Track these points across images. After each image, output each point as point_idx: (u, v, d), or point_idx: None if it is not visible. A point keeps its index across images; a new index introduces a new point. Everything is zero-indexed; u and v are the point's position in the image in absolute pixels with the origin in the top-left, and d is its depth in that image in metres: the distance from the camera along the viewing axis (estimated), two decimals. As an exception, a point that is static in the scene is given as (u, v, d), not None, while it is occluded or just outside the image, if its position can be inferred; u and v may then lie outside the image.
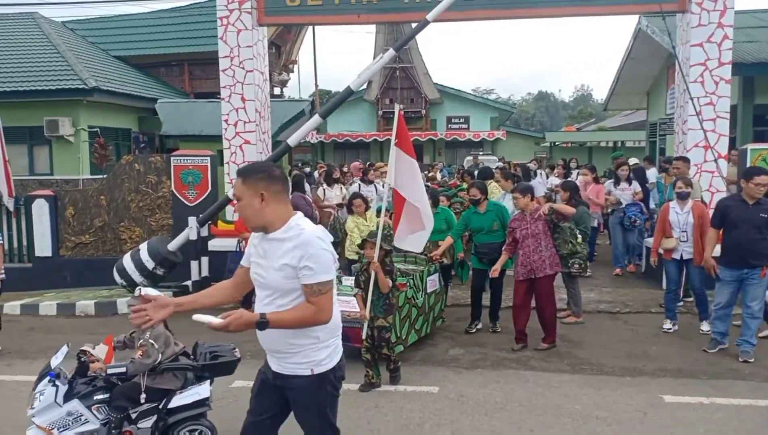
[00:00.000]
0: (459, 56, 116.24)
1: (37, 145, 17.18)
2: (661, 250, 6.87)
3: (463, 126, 30.75)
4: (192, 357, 4.19)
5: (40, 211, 9.33)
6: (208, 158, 8.98)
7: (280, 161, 10.20)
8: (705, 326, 6.68)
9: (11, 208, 9.43)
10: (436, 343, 6.54)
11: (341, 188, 10.42)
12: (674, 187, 7.01)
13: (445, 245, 6.95)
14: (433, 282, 6.68)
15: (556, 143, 30.76)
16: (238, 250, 7.64)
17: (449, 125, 30.77)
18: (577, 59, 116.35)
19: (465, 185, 8.91)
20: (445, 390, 5.24)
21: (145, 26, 21.70)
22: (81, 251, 9.47)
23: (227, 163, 9.30)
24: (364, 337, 5.36)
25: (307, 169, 14.09)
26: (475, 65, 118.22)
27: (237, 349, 4.31)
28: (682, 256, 6.66)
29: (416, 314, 6.26)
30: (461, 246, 7.55)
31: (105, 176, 9.91)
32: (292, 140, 7.77)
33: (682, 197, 6.72)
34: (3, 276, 6.51)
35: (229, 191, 8.62)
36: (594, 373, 5.66)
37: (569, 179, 9.67)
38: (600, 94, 79.34)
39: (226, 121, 9.21)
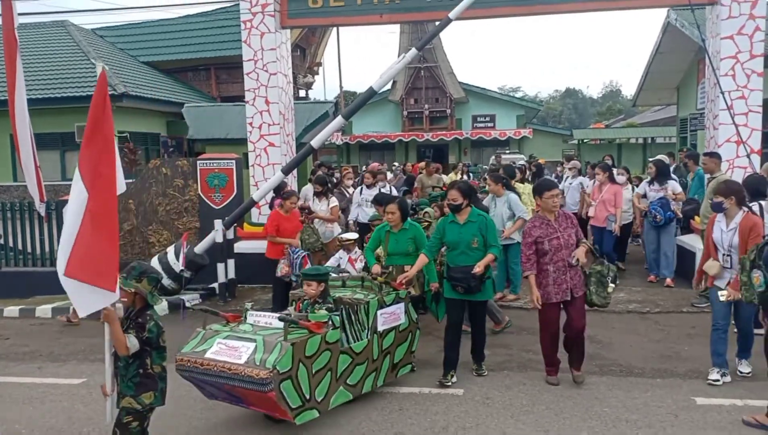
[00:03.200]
0: (484, 54, 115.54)
1: (69, 151, 17.55)
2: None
3: (489, 125, 30.51)
4: None
5: (72, 215, 9.49)
6: (234, 161, 9.05)
7: (304, 163, 10.23)
8: (744, 368, 5.39)
9: (43, 213, 9.61)
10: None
11: (329, 200, 8.52)
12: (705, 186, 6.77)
13: (416, 267, 5.43)
14: (391, 316, 5.13)
15: (585, 141, 30.34)
16: (294, 256, 7.32)
17: (475, 124, 30.56)
18: (606, 55, 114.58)
19: (488, 187, 8.28)
20: (470, 392, 5.19)
21: (172, 31, 22.01)
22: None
23: (252, 165, 9.38)
24: (107, 419, 3.71)
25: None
26: (501, 63, 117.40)
27: None
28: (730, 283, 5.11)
29: (348, 364, 4.61)
30: (434, 273, 5.79)
31: (133, 180, 10.06)
32: (316, 142, 7.79)
33: (718, 210, 5.28)
34: None
35: (254, 193, 8.68)
36: (623, 375, 5.54)
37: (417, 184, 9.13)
38: (629, 90, 78.13)
39: (250, 124, 9.29)
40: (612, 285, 5.30)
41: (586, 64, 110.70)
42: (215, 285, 8.68)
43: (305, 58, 23.26)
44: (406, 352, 5.36)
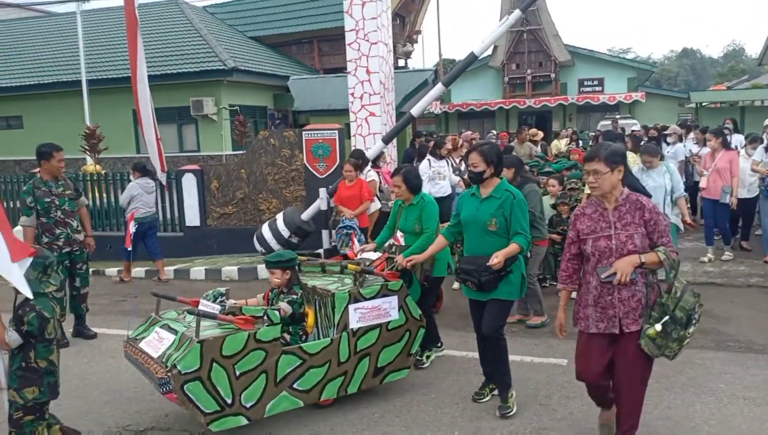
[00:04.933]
0: (592, 15, 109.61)
1: (185, 124, 18.67)
2: None
3: (597, 88, 29.03)
4: None
5: (189, 184, 10.17)
6: (336, 132, 9.27)
7: (403, 132, 10.29)
8: None
9: (164, 182, 10.35)
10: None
11: (366, 175, 8.17)
12: None
13: (430, 251, 4.52)
14: (371, 312, 4.31)
15: (703, 104, 28.21)
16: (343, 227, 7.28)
17: (581, 89, 29.18)
18: (727, 11, 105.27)
19: (641, 158, 7.23)
20: (573, 362, 5.09)
21: (277, 5, 22.61)
22: (225, 221, 10.21)
23: (354, 135, 9.55)
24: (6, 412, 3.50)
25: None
26: (610, 23, 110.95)
27: None
28: None
29: (296, 366, 4.00)
30: (446, 253, 4.99)
31: (244, 151, 10.55)
32: (415, 110, 7.81)
33: None
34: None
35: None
36: (741, 351, 5.24)
37: (514, 153, 7.88)
38: (754, 49, 71.54)
39: (352, 94, 9.44)
40: (689, 331, 3.30)
41: (705, 22, 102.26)
42: (320, 250, 9.01)
43: (404, 26, 23.16)
44: (398, 355, 4.46)
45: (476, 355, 4.65)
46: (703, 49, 77.51)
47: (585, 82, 29.16)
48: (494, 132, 16.76)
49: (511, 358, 5.17)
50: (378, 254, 5.98)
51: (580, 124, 28.29)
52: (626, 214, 3.34)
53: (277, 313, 3.94)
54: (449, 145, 8.70)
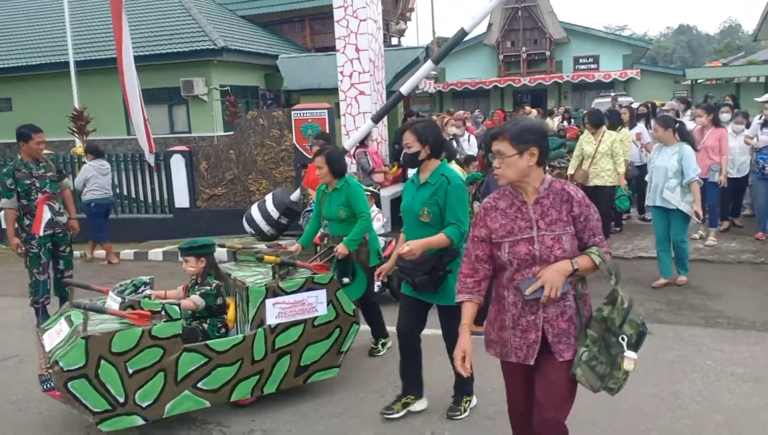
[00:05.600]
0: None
1: (176, 105, 18.48)
2: None
3: (592, 66, 28.88)
4: None
5: (178, 165, 10.06)
6: (326, 111, 9.15)
7: (394, 110, 10.18)
8: None
9: (152, 164, 10.24)
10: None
11: None
12: None
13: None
14: (294, 307, 3.99)
15: (699, 81, 28.06)
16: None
17: (576, 66, 29.03)
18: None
19: (655, 133, 6.81)
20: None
21: (268, -17, 22.28)
22: (214, 202, 10.13)
23: (343, 114, 9.43)
24: None
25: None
26: (605, 1, 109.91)
27: None
28: None
29: (201, 365, 3.74)
30: (378, 244, 4.85)
31: (233, 132, 10.44)
32: (405, 89, 7.67)
33: None
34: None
35: (345, 142, 8.77)
36: (731, 328, 5.22)
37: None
38: (750, 25, 71.01)
39: (341, 72, 9.30)
40: (630, 358, 2.47)
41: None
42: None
43: (397, 4, 22.87)
44: (326, 353, 4.14)
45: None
46: (699, 25, 76.78)
47: (580, 60, 29.00)
48: (478, 111, 16.62)
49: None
50: (384, 240, 5.99)
51: (575, 102, 28.17)
52: (551, 210, 2.56)
53: (176, 307, 3.66)
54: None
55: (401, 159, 3.79)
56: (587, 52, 28.98)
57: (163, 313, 3.63)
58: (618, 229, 8.48)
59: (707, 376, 4.32)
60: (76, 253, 8.97)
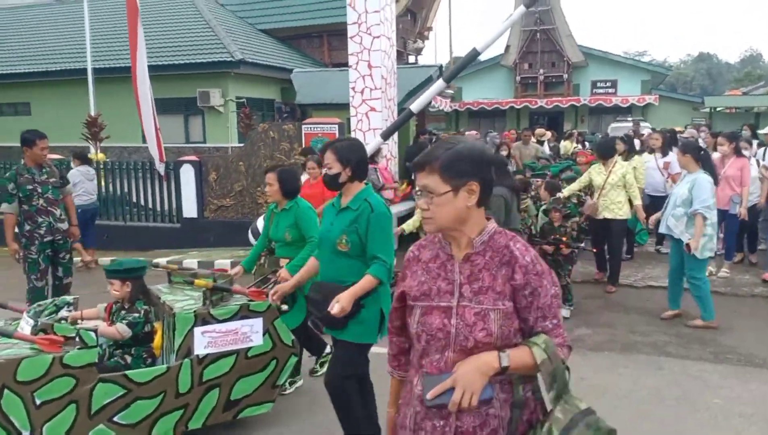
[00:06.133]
0: (607, 17, 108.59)
1: (192, 115, 18.58)
2: None
3: (610, 90, 28.71)
4: None
5: (187, 175, 10.05)
6: (336, 126, 9.13)
7: (406, 128, 10.13)
8: None
9: (162, 173, 10.24)
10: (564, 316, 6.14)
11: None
12: None
13: (299, 277, 3.75)
14: (225, 336, 3.67)
15: (717, 108, 27.78)
16: None
17: (594, 90, 28.88)
18: (744, 17, 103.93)
19: (678, 159, 6.70)
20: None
21: (287, -1, 22.46)
22: (222, 213, 10.09)
23: (354, 130, 9.39)
24: None
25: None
26: (625, 26, 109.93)
27: None
28: None
29: (118, 397, 3.43)
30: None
31: (243, 144, 10.44)
32: (415, 106, 7.64)
33: None
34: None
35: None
36: (741, 364, 5.02)
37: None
38: (773, 53, 70.52)
39: (353, 88, 9.27)
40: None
41: (723, 27, 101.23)
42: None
43: (416, 22, 22.94)
44: (259, 387, 3.81)
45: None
46: (719, 53, 76.37)
47: (598, 84, 28.86)
48: (494, 133, 16.48)
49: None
50: None
51: (591, 126, 28.01)
52: (483, 272, 1.83)
53: (92, 334, 3.33)
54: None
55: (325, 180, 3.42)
56: (605, 76, 28.85)
57: (77, 339, 3.29)
58: (629, 256, 8.27)
59: (715, 416, 4.14)
60: (76, 259, 9.03)
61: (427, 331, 1.84)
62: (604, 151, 7.02)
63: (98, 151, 13.27)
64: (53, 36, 20.50)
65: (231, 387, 3.73)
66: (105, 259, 9.10)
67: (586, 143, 15.19)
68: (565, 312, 6.13)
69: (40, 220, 5.76)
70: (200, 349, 3.59)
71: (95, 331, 3.42)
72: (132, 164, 10.69)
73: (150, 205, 10.55)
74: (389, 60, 9.39)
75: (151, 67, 16.88)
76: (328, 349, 4.62)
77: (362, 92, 9.17)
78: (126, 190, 10.61)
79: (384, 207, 3.31)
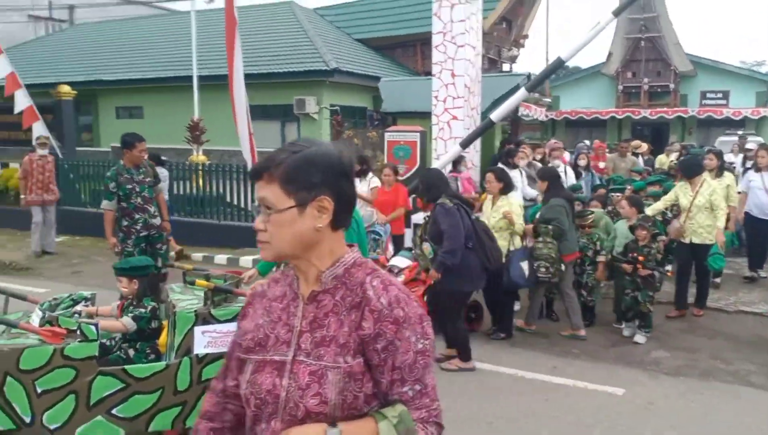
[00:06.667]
0: (723, 25, 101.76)
1: (288, 122, 19.32)
2: None
3: (721, 102, 26.91)
4: None
5: (273, 179, 10.47)
6: (418, 134, 9.22)
7: (490, 138, 10.04)
8: None
9: (253, 176, 10.74)
10: (639, 341, 5.86)
11: (369, 181, 7.70)
12: None
13: None
14: (227, 336, 3.64)
15: None
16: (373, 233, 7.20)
17: (703, 101, 27.18)
18: None
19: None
20: (631, 393, 4.70)
21: (384, 8, 22.85)
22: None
23: (435, 138, 9.44)
24: None
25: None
26: (744, 34, 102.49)
27: None
28: None
29: (117, 390, 3.51)
30: None
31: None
32: (495, 116, 7.59)
33: None
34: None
35: (433, 164, 8.77)
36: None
37: (550, 165, 7.50)
38: None
39: (435, 97, 9.33)
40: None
41: None
42: (393, 253, 8.97)
43: (511, 30, 22.64)
44: None
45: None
46: None
47: (707, 95, 27.14)
48: (587, 142, 15.85)
49: (562, 380, 4.91)
50: (408, 262, 5.89)
51: (700, 139, 26.35)
52: (330, 317, 1.43)
53: (93, 328, 3.43)
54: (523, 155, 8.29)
55: None
56: (716, 86, 27.10)
57: (78, 332, 3.41)
58: (717, 280, 7.57)
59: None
60: (198, 256, 9.64)
61: (256, 395, 1.42)
62: (689, 170, 6.46)
63: (199, 153, 14.11)
64: (164, 45, 22.03)
65: None
66: (198, 255, 9.69)
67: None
68: (641, 338, 5.84)
69: (137, 216, 6.22)
70: (200, 348, 3.61)
71: (96, 325, 3.52)
72: (228, 167, 11.28)
73: (242, 206, 11.08)
74: (474, 69, 9.37)
75: (251, 75, 17.75)
76: None
77: (444, 101, 9.21)
78: (221, 190, 11.19)
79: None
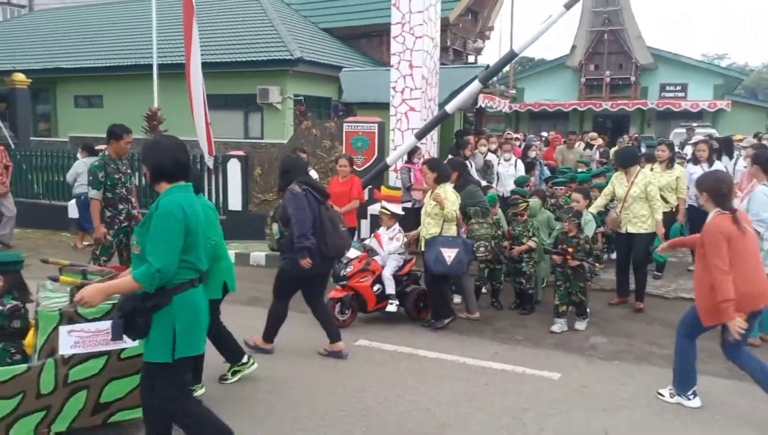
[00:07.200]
0: (686, 18, 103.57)
1: (251, 112, 19.12)
2: None
3: (680, 94, 27.61)
4: None
5: (234, 169, 10.45)
6: (376, 125, 9.27)
7: (449, 129, 10.16)
8: None
9: (210, 166, 10.68)
10: (578, 328, 6.05)
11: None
12: None
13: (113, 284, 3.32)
14: (94, 336, 3.49)
15: (798, 115, 26.24)
16: None
17: (662, 93, 27.83)
18: None
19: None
20: (567, 378, 4.88)
21: (349, -3, 22.74)
22: (265, 207, 10.41)
23: (393, 129, 9.51)
24: None
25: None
26: (706, 28, 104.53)
27: None
28: None
29: None
30: (229, 274, 4.43)
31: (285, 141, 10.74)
32: (450, 107, 7.69)
33: None
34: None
35: (388, 157, 8.86)
36: (749, 380, 4.82)
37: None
38: None
39: (394, 88, 9.39)
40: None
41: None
42: (350, 243, 9.03)
43: (477, 22, 22.77)
44: (134, 390, 3.56)
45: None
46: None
47: (667, 87, 27.81)
48: (545, 135, 16.17)
49: (501, 366, 5.06)
50: (357, 253, 5.99)
51: (658, 131, 27.01)
52: None
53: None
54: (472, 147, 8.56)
55: None
56: (675, 79, 27.76)
57: None
58: (660, 274, 7.79)
59: (710, 430, 4.02)
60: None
61: None
62: (624, 160, 6.57)
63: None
64: (125, 32, 21.58)
65: (101, 389, 3.55)
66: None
67: (642, 148, 14.71)
68: (580, 325, 6.04)
69: (121, 207, 6.23)
70: (66, 348, 3.40)
71: None
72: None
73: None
74: (431, 60, 9.45)
75: (214, 64, 17.51)
76: (245, 359, 4.63)
77: (402, 92, 9.27)
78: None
79: (171, 205, 2.98)
